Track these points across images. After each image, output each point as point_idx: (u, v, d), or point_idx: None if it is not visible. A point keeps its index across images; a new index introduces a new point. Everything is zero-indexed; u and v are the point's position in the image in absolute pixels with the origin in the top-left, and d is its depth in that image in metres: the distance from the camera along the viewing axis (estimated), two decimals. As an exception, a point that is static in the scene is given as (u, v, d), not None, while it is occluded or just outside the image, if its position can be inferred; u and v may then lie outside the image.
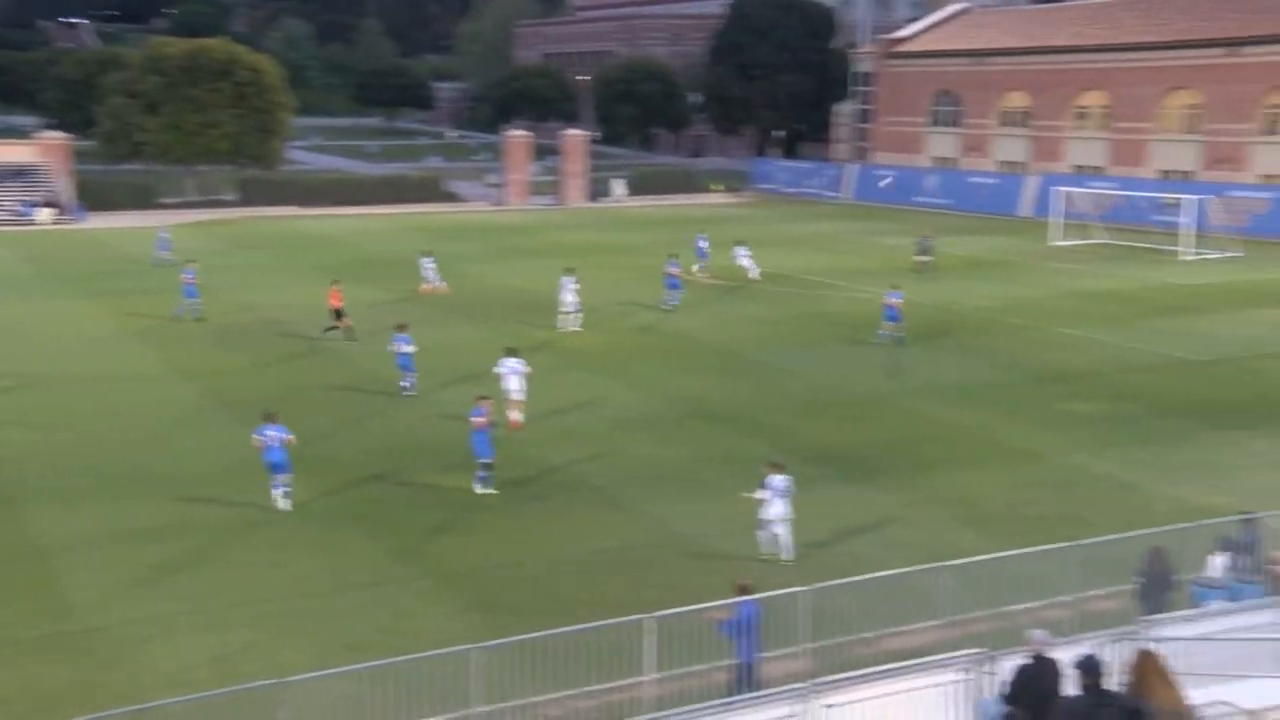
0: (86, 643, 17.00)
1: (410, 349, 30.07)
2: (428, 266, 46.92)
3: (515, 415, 27.30)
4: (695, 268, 50.02)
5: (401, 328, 30.66)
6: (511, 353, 27.99)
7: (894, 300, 36.69)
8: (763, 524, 19.72)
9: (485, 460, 22.93)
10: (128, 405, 29.61)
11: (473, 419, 22.91)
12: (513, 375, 27.41)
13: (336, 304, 37.38)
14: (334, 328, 37.12)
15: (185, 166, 79.98)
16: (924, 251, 51.66)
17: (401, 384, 30.40)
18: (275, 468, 22.09)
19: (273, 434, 21.93)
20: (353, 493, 23.30)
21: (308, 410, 28.93)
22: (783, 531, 19.67)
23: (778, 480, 19.64)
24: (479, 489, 22.94)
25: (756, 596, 14.76)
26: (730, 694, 14.29)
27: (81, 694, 15.53)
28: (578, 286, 38.97)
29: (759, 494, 19.67)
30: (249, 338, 37.90)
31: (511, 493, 23.18)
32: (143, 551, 20.23)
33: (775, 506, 19.58)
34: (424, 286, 46.28)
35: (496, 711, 13.93)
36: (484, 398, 23.43)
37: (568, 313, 38.78)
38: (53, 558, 20.03)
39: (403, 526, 21.48)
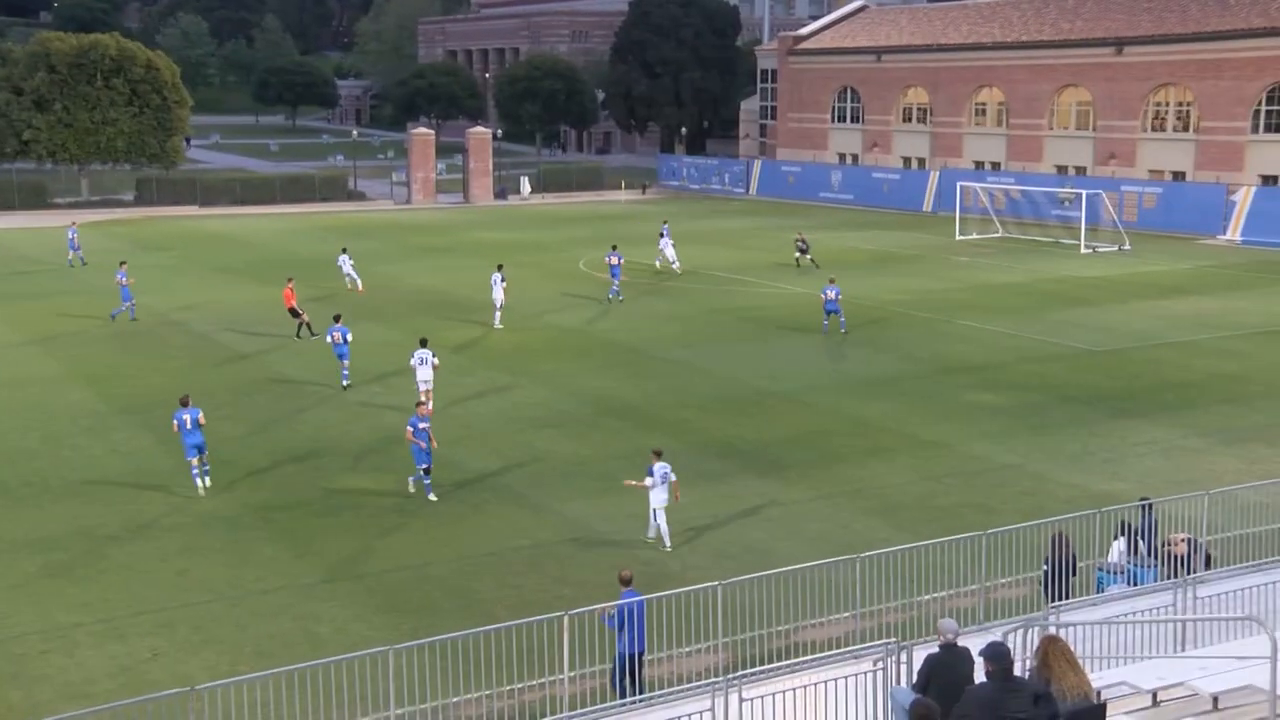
0: (-17, 657, 16.46)
1: (347, 338, 30.83)
2: (346, 265, 46.10)
3: (428, 404, 27.13)
4: (657, 261, 51.42)
5: (337, 318, 31.67)
6: (423, 343, 28.79)
7: (831, 293, 37.21)
8: (655, 513, 20.18)
9: (426, 466, 22.67)
10: (23, 410, 28.74)
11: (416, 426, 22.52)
12: (423, 365, 28.25)
13: (291, 303, 36.93)
14: (303, 324, 36.77)
15: (79, 165, 77.85)
16: (803, 250, 52.20)
17: (342, 373, 30.99)
18: (197, 449, 22.92)
19: (188, 417, 22.78)
20: (259, 496, 22.90)
21: (213, 413, 28.33)
22: (661, 520, 20.16)
23: (659, 467, 20.04)
24: (431, 495, 22.72)
25: (674, 591, 14.83)
26: (610, 683, 14.54)
27: (-21, 710, 15.05)
28: (505, 284, 39.20)
29: (647, 481, 20.03)
30: (151, 340, 37.04)
31: (421, 494, 22.96)
32: (40, 560, 19.66)
33: (659, 494, 20.04)
34: (348, 285, 45.68)
35: (412, 713, 13.79)
36: (421, 403, 23.59)
37: (499, 309, 39.04)
38: (-55, 570, 19.37)
39: (309, 530, 21.18)
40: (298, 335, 36.80)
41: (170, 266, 52.70)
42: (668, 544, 20.19)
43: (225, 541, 20.62)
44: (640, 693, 14.20)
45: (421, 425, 22.37)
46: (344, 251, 47.35)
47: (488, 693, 14.34)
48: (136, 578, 19.06)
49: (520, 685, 14.46)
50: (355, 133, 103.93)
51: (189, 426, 22.76)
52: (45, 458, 25.12)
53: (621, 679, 14.41)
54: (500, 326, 38.60)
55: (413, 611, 17.89)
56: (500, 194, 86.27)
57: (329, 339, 31.44)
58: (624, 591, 14.62)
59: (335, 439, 26.53)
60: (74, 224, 55.90)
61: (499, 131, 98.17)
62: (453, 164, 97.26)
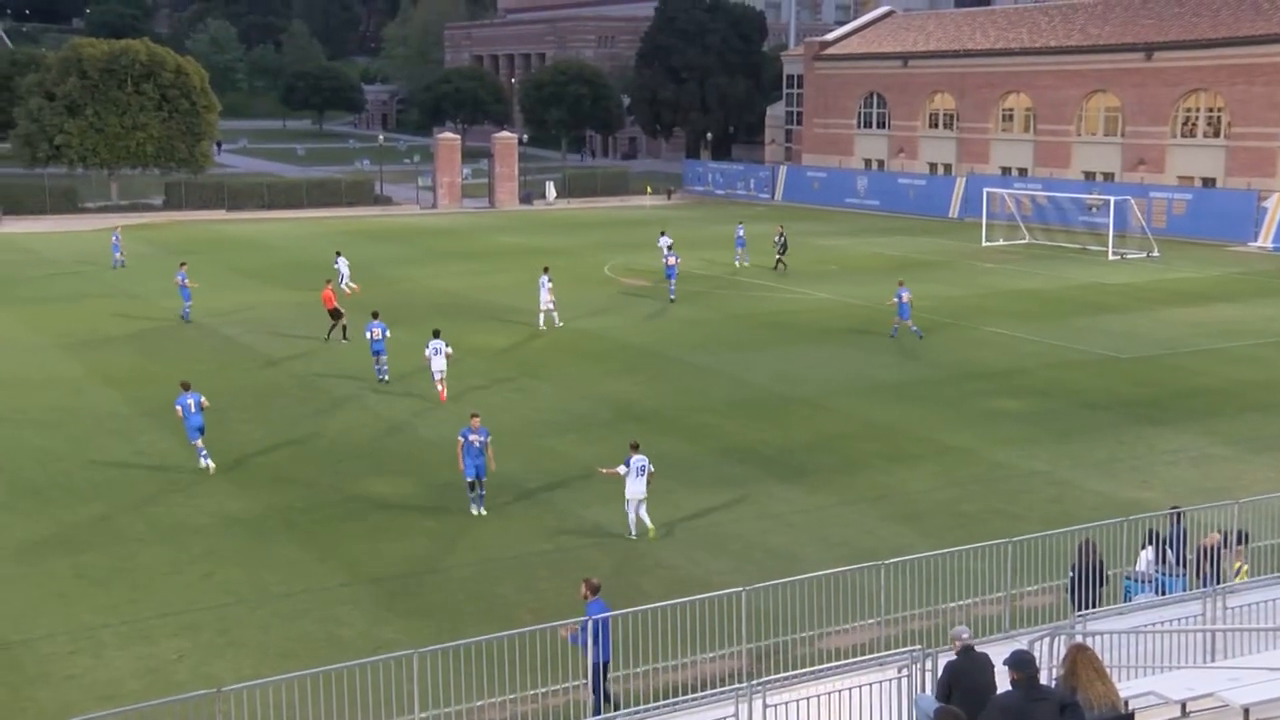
0: (10, 658, 16.57)
1: (385, 334, 31.59)
2: (342, 267, 45.79)
3: (442, 391, 29.79)
4: (736, 261, 53.45)
5: (375, 314, 32.17)
6: (436, 334, 30.43)
7: (905, 296, 36.68)
8: (629, 503, 20.63)
9: (469, 479, 21.93)
10: (50, 412, 28.95)
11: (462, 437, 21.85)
12: (437, 355, 29.72)
13: (332, 303, 36.96)
14: (335, 327, 36.83)
15: (109, 170, 78.49)
16: (782, 250, 52.30)
17: (376, 369, 31.78)
18: (199, 430, 24.18)
19: (191, 401, 24.13)
20: (283, 500, 22.99)
21: (237, 415, 28.55)
22: (638, 511, 20.64)
23: (636, 459, 20.43)
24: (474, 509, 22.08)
25: (697, 596, 14.79)
26: (594, 694, 14.10)
27: (7, 711, 15.15)
28: (552, 286, 39.65)
29: (620, 470, 20.54)
30: (177, 343, 37.27)
31: (443, 496, 23.02)
32: (67, 563, 19.79)
33: (634, 485, 20.44)
34: (346, 287, 45.66)
35: (436, 717, 13.81)
36: (475, 414, 22.50)
37: (546, 310, 39.34)
38: (-26, 570, 19.53)
39: (333, 533, 21.24)
40: (328, 338, 36.85)
41: (197, 270, 52.97)
42: (650, 531, 20.64)
43: (249, 544, 20.71)
44: (608, 703, 14.04)
45: (473, 438, 21.59)
46: (339, 255, 47.10)
47: (511, 697, 14.34)
48: (162, 580, 19.17)
49: (544, 690, 14.46)
50: (381, 137, 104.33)
51: (193, 410, 24.06)
52: (72, 459, 25.30)
53: (596, 691, 14.17)
54: (544, 328, 39.04)
55: (436, 615, 17.92)
56: (525, 199, 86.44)
57: (367, 335, 31.86)
58: (591, 601, 14.39)
59: (359, 442, 26.61)
60: (117, 229, 57.56)
61: (524, 136, 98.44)
62: (478, 169, 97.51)
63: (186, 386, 24.47)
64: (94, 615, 17.82)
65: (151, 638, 17.11)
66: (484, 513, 21.93)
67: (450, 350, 29.78)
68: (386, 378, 31.65)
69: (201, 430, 24.22)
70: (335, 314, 36.88)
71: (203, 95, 78.01)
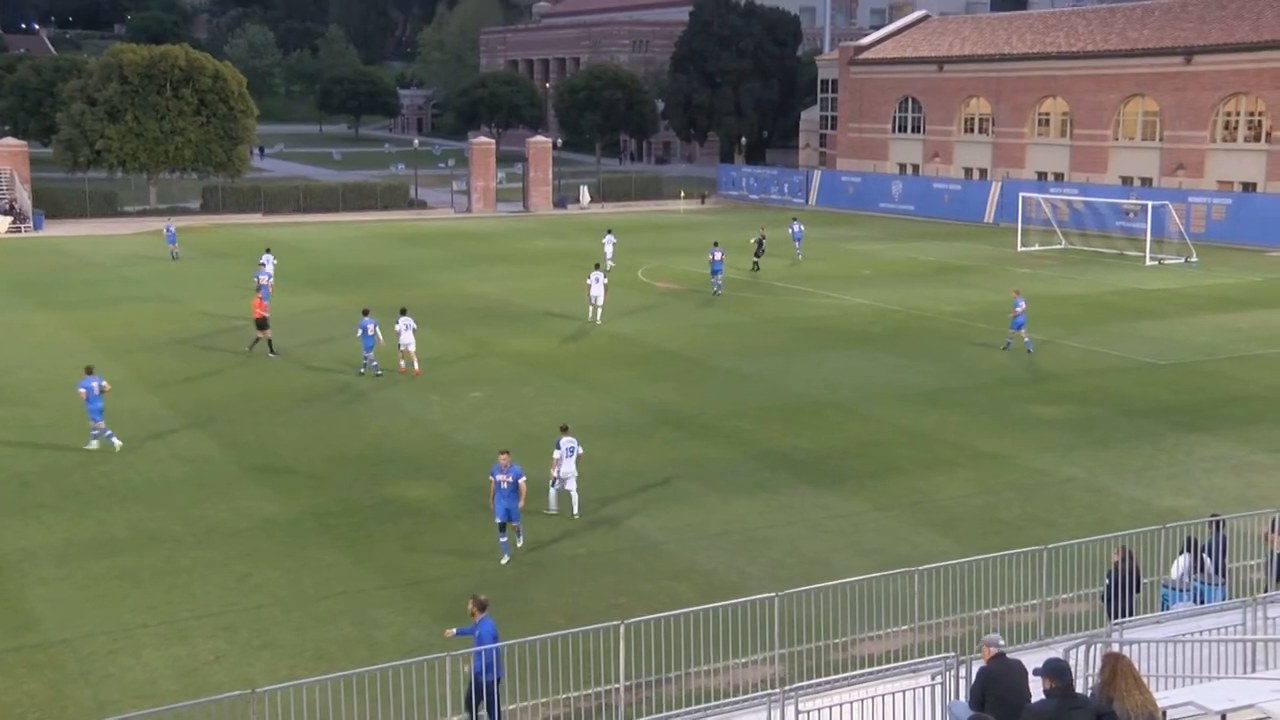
0: (52, 656, 16.78)
1: (373, 330, 32.77)
2: (266, 265, 45.26)
3: (415, 365, 33.00)
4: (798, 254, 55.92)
5: (365, 311, 33.64)
6: (404, 312, 33.42)
7: (1022, 306, 35.64)
8: (554, 481, 21.93)
9: (499, 521, 20.22)
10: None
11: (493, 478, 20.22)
12: (406, 331, 32.85)
13: (259, 313, 35.62)
14: (258, 341, 35.57)
15: (148, 174, 79.33)
16: (758, 252, 52.78)
17: (366, 365, 33.06)
18: (99, 413, 25.88)
19: (95, 384, 25.85)
20: (319, 503, 23.15)
21: (274, 419, 28.79)
22: (572, 489, 21.97)
23: (565, 441, 21.81)
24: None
25: (731, 601, 14.78)
26: (466, 706, 13.65)
27: (48, 708, 15.35)
28: (606, 282, 41.32)
29: (555, 454, 21.79)
30: (214, 347, 37.60)
31: (477, 500, 23.10)
32: (107, 563, 20.02)
33: (564, 465, 21.77)
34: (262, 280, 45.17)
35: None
36: (504, 451, 20.56)
37: (598, 306, 40.72)
38: (15, 570, 19.77)
39: (368, 536, 21.36)
40: (250, 349, 35.49)
41: (234, 273, 53.49)
42: (575, 512, 21.89)
43: (286, 546, 20.87)
44: None
45: (501, 477, 19.91)
46: (267, 251, 46.95)
47: (544, 700, 14.38)
48: (199, 581, 19.35)
49: (576, 694, 14.49)
50: (417, 142, 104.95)
51: (95, 393, 25.86)
52: (112, 462, 25.57)
53: (477, 705, 13.65)
54: (600, 323, 40.35)
55: (469, 618, 17.95)
56: (560, 203, 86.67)
57: (359, 332, 32.92)
58: (480, 619, 13.92)
59: (394, 446, 26.76)
60: (170, 222, 62.43)
61: (559, 141, 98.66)
62: (513, 173, 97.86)
63: (90, 370, 26.42)
64: (133, 616, 18.01)
65: (189, 638, 17.27)
66: (505, 561, 19.93)
67: (415, 326, 32.91)
68: (371, 369, 32.90)
69: (102, 413, 25.98)
70: (262, 324, 35.43)
71: (240, 100, 78.72)
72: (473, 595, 14.48)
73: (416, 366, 33.10)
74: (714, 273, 46.89)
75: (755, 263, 52.65)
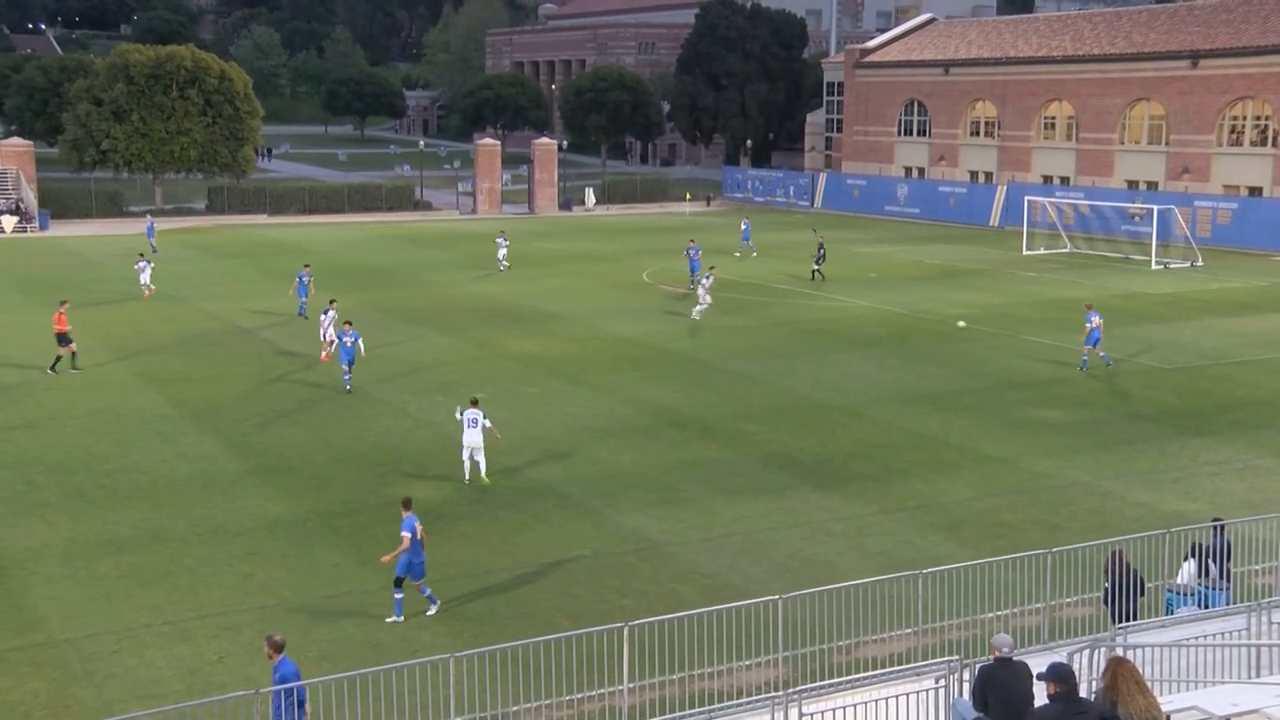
0: (56, 655, 16.80)
1: (350, 341, 31.46)
2: (143, 268, 45.27)
3: (324, 354, 33.63)
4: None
5: (347, 324, 32.23)
6: (332, 303, 35.06)
7: (1096, 320, 34.00)
8: (464, 449, 23.79)
9: (397, 575, 17.95)
10: (96, 414, 29.33)
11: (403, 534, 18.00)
12: (326, 316, 34.29)
13: (61, 328, 33.35)
14: (60, 359, 33.33)
15: (153, 174, 79.45)
16: (819, 260, 51.79)
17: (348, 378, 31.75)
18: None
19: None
20: (323, 503, 23.17)
21: (279, 419, 28.82)
22: (473, 457, 23.78)
23: (470, 413, 23.62)
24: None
25: (735, 604, 14.77)
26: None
27: (52, 708, 15.37)
28: (710, 284, 41.72)
29: (467, 426, 23.58)
30: (220, 347, 37.65)
31: (481, 500, 23.13)
32: (112, 563, 20.04)
33: (469, 435, 23.54)
34: (145, 293, 45.10)
35: (472, 722, 13.86)
36: (407, 501, 18.35)
37: (702, 306, 41.16)
38: (20, 569, 19.80)
39: (372, 536, 21.34)
40: (53, 368, 33.19)
41: (239, 274, 53.59)
42: (484, 477, 23.74)
43: (290, 547, 20.88)
44: None
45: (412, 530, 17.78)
46: (141, 257, 46.84)
47: (547, 702, 14.38)
48: (203, 581, 19.37)
49: (580, 695, 14.49)
50: (422, 143, 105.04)
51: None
52: (116, 461, 25.61)
53: None
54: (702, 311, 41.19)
55: (473, 619, 17.99)
56: (565, 205, 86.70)
57: (343, 339, 31.53)
58: (279, 660, 13.17)
59: (398, 447, 26.77)
60: (149, 217, 62.73)
61: (564, 142, 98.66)
62: (518, 174, 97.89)
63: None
64: (137, 615, 18.03)
65: (193, 638, 17.29)
66: (400, 619, 17.59)
67: (335, 315, 33.74)
68: (348, 388, 31.09)
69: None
70: (63, 339, 33.27)
71: (246, 101, 78.82)
72: (268, 637, 13.54)
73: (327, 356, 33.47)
74: (693, 270, 47.96)
75: (816, 271, 51.41)
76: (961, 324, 40.65)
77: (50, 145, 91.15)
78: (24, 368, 34.30)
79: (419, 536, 17.97)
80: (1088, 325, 34.10)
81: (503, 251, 54.01)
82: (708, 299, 41.27)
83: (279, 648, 13.29)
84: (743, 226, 62.05)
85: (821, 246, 52.16)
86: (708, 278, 42.28)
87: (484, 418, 23.66)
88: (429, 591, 18.16)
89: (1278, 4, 70.42)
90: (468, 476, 23.95)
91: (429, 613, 17.96)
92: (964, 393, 31.87)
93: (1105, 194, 70.45)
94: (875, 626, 15.81)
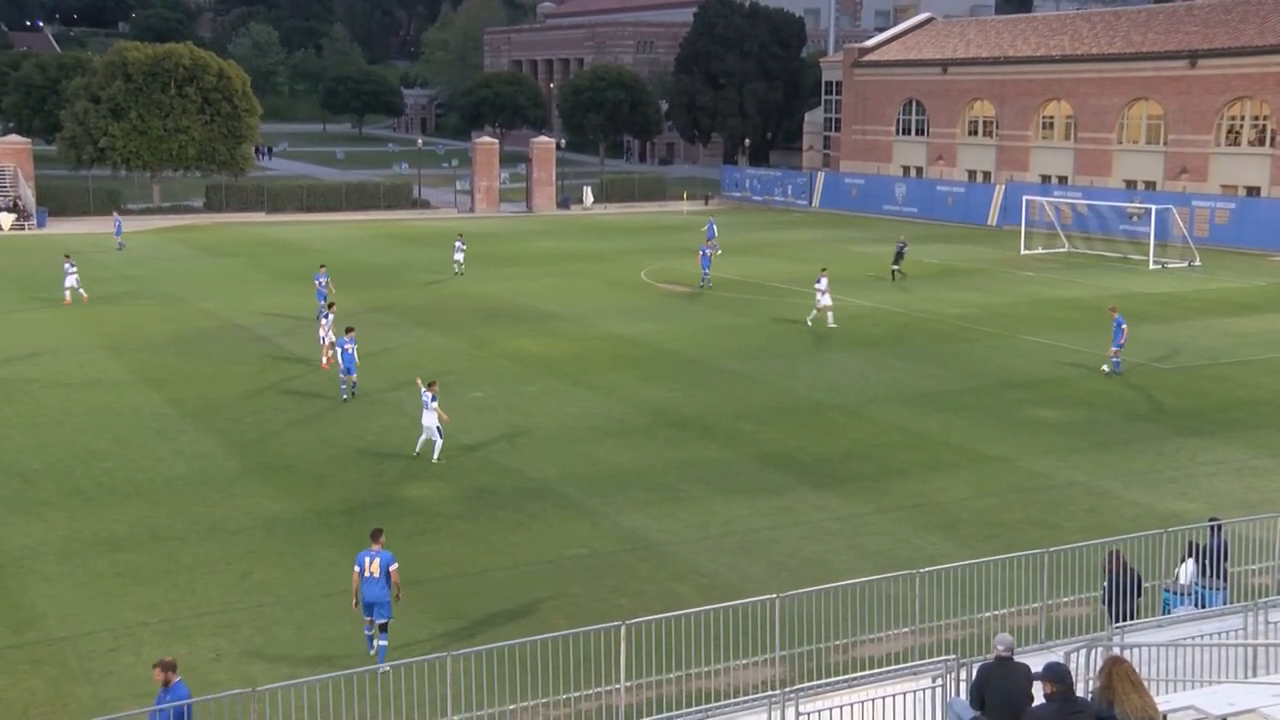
0: (53, 653, 16.80)
1: (351, 348, 30.39)
2: (70, 276, 44.45)
3: (324, 361, 33.50)
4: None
5: (349, 330, 31.03)
6: (330, 307, 35.18)
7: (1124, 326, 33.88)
8: (424, 429, 25.33)
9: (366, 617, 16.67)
10: (94, 412, 29.32)
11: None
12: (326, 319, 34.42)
13: None
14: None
15: (151, 172, 79.40)
16: (898, 260, 51.88)
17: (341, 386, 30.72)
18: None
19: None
20: (321, 501, 23.16)
21: (275, 417, 28.81)
22: (435, 438, 25.24)
23: (426, 395, 25.22)
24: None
25: (732, 603, 14.78)
26: None
27: (49, 706, 15.37)
28: (825, 287, 40.67)
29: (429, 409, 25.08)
30: (217, 345, 37.63)
31: (479, 500, 23.13)
32: (109, 561, 20.03)
33: (426, 416, 25.19)
34: (69, 293, 44.19)
35: (469, 720, 13.87)
36: (378, 533, 16.97)
37: (822, 309, 40.46)
38: (18, 567, 19.80)
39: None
40: None
41: (237, 272, 53.56)
42: (436, 458, 25.03)
43: (288, 545, 20.88)
44: None
45: (369, 562, 16.44)
46: (67, 258, 45.58)
47: (544, 700, 14.39)
48: (201, 579, 19.36)
49: (577, 694, 14.49)
50: (420, 141, 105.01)
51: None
52: (114, 459, 25.60)
53: None
54: (829, 326, 40.19)
55: (470, 618, 17.99)
56: (563, 203, 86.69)
57: (340, 349, 30.52)
58: (174, 684, 12.38)
59: (397, 446, 26.76)
60: (116, 213, 64.09)
61: (562, 141, 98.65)
62: (516, 173, 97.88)
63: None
64: (135, 613, 18.03)
65: (190, 636, 17.28)
66: (385, 668, 14.42)
67: (334, 318, 33.78)
68: (345, 397, 30.32)
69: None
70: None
71: (244, 99, 78.79)
72: (159, 660, 12.65)
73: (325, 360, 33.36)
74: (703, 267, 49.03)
75: (895, 270, 51.40)
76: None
77: (48, 143, 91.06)
78: (21, 365, 34.28)
79: (369, 574, 16.06)
80: (1123, 328, 33.71)
81: (459, 255, 52.75)
82: (826, 299, 40.23)
83: (171, 667, 12.35)
84: (706, 228, 62.63)
85: (904, 245, 52.12)
86: (819, 280, 40.77)
87: (433, 400, 25.07)
88: (377, 647, 16.24)
89: (1276, 4, 70.47)
90: (418, 450, 25.46)
91: (380, 669, 14.64)
92: (962, 392, 31.88)
93: (1103, 194, 70.50)
94: (872, 626, 15.82)
